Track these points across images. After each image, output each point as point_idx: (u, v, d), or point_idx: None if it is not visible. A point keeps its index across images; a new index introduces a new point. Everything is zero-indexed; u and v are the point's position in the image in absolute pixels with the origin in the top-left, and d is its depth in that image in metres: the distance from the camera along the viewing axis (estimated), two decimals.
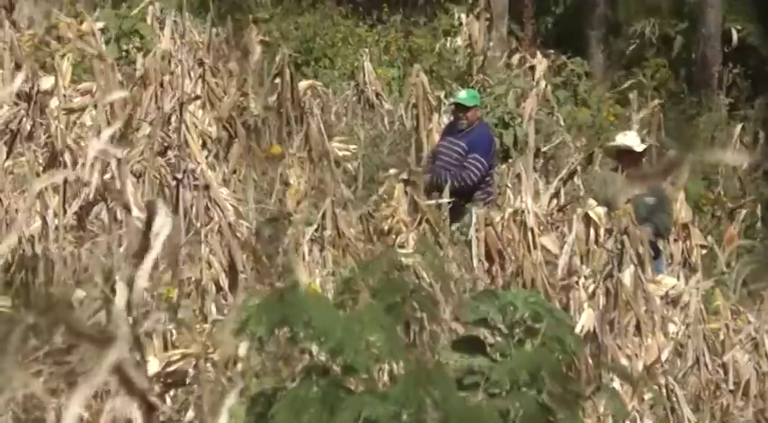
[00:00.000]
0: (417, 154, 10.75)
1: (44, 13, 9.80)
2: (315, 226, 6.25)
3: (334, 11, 16.76)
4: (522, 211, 7.03)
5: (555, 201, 8.17)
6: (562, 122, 13.14)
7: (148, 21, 12.18)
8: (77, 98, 7.31)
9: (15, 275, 5.52)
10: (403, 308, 2.74)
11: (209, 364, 3.45)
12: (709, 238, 10.49)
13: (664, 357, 5.83)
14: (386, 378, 2.88)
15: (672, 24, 19.61)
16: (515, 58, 14.48)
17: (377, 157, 11.03)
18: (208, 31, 10.23)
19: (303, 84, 9.09)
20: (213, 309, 5.33)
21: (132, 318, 2.32)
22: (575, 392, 2.83)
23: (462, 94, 9.90)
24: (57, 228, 5.63)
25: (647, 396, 5.52)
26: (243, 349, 2.95)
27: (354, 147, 8.99)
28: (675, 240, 9.93)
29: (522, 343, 2.87)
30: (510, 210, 7.08)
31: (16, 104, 6.86)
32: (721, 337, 6.39)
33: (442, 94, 12.64)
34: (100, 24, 10.59)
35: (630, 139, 8.96)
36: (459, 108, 9.65)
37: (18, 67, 8.08)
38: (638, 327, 5.87)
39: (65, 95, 7.17)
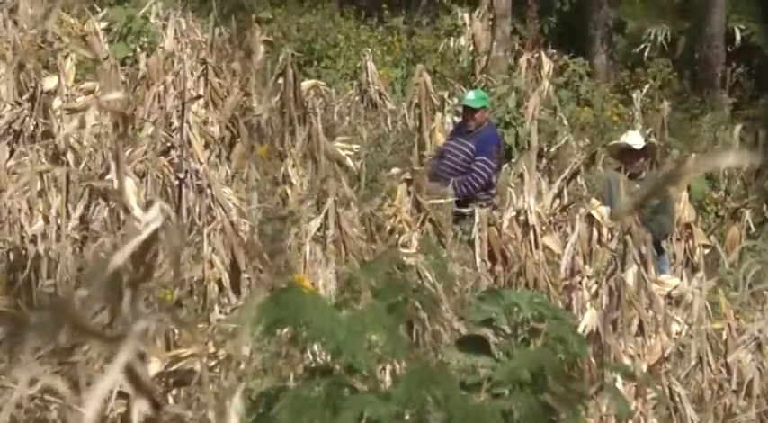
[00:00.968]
0: (420, 153, 10.73)
1: (47, 13, 9.81)
2: (317, 225, 6.25)
3: (336, 12, 16.77)
4: (525, 211, 7.03)
5: (558, 200, 8.16)
6: (566, 122, 13.14)
7: (152, 20, 12.20)
8: (80, 98, 7.31)
9: (18, 275, 5.53)
10: (405, 307, 2.74)
11: (212, 363, 3.44)
12: (712, 237, 10.49)
13: (666, 357, 5.82)
14: (388, 378, 2.88)
15: (676, 24, 19.61)
16: (519, 59, 14.48)
17: (380, 157, 11.04)
18: (211, 31, 10.23)
19: (306, 84, 9.08)
20: (216, 308, 5.34)
21: (134, 316, 2.31)
22: (578, 392, 2.82)
23: (470, 96, 9.84)
24: (59, 227, 5.63)
25: (650, 396, 5.52)
26: (245, 349, 2.95)
27: (357, 146, 8.98)
28: (678, 240, 9.92)
29: (525, 343, 2.87)
30: (513, 210, 7.08)
31: (19, 104, 6.86)
32: (724, 336, 6.38)
33: (446, 94, 12.65)
34: (103, 24, 10.59)
35: (632, 138, 9.00)
36: (468, 110, 9.60)
37: (21, 66, 8.08)
38: (640, 326, 5.86)
39: (68, 95, 7.17)
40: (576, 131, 13.31)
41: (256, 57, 8.98)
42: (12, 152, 6.53)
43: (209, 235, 5.73)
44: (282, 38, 14.24)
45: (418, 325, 4.12)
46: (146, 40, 11.89)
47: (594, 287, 5.97)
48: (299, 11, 16.60)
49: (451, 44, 15.90)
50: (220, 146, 7.80)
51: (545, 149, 12.06)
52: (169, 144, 6.81)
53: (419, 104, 11.78)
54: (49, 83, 6.99)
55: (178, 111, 6.98)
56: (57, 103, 6.96)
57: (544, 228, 7.04)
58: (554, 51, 14.85)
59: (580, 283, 6.14)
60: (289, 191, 7.55)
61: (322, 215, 6.30)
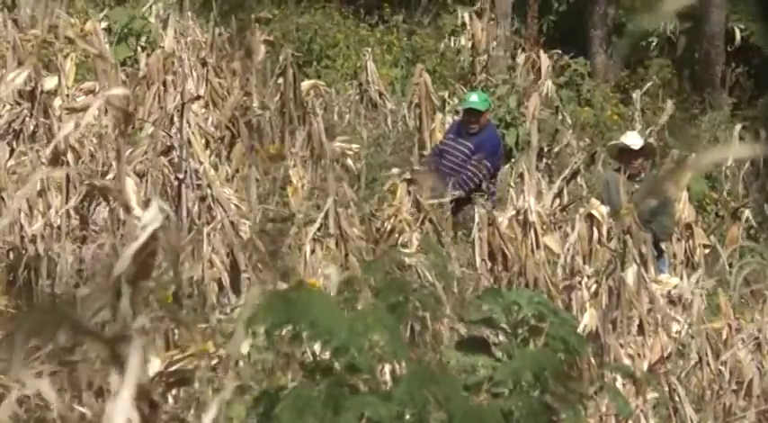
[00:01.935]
0: (420, 153, 10.73)
1: (47, 13, 9.80)
2: (317, 225, 6.25)
3: (336, 11, 16.77)
4: (525, 211, 7.03)
5: (558, 200, 8.15)
6: (569, 120, 13.15)
7: (152, 20, 12.21)
8: (80, 97, 7.31)
9: (18, 275, 5.52)
10: (406, 307, 2.74)
11: (212, 363, 3.44)
12: (712, 237, 10.49)
13: (666, 357, 5.82)
14: (389, 378, 2.88)
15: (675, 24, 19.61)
16: (519, 58, 14.47)
17: (380, 157, 11.04)
18: (211, 31, 10.23)
19: (306, 83, 9.09)
20: (215, 308, 5.33)
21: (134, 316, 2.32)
22: (578, 392, 2.82)
23: (474, 99, 9.74)
24: (59, 227, 5.63)
25: (649, 395, 5.52)
26: (246, 348, 2.95)
27: (357, 146, 8.98)
28: (678, 240, 9.92)
29: (525, 343, 2.87)
30: (513, 209, 7.08)
31: (19, 104, 6.86)
32: (724, 336, 6.38)
33: (446, 94, 12.65)
34: (104, 24, 10.59)
35: (630, 138, 9.01)
36: (472, 112, 9.51)
37: (21, 66, 8.07)
38: (640, 326, 5.87)
39: (68, 95, 7.17)
40: (576, 131, 13.31)
41: (256, 56, 8.98)
42: (12, 152, 6.53)
43: (208, 235, 5.73)
44: (282, 38, 14.24)
45: (418, 325, 4.11)
46: (145, 40, 11.90)
47: (594, 287, 5.98)
48: (299, 10, 16.60)
49: (452, 44, 15.90)
50: (220, 145, 7.80)
51: (545, 149, 12.06)
52: (169, 144, 6.81)
53: (419, 104, 11.78)
54: (50, 83, 6.99)
55: (178, 110, 6.98)
56: (57, 102, 6.97)
57: (544, 227, 7.03)
58: (555, 51, 14.84)
59: (580, 282, 6.14)
60: (289, 191, 7.56)
61: (322, 215, 6.30)
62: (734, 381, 6.24)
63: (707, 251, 10.01)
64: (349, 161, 8.29)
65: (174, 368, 3.47)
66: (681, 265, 9.62)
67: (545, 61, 13.63)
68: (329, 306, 2.60)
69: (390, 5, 17.83)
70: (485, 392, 2.73)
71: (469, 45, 15.31)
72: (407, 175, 7.32)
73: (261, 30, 9.48)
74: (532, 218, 6.99)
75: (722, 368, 6.23)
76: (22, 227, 5.87)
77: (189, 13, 11.87)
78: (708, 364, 6.18)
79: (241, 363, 3.05)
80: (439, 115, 11.77)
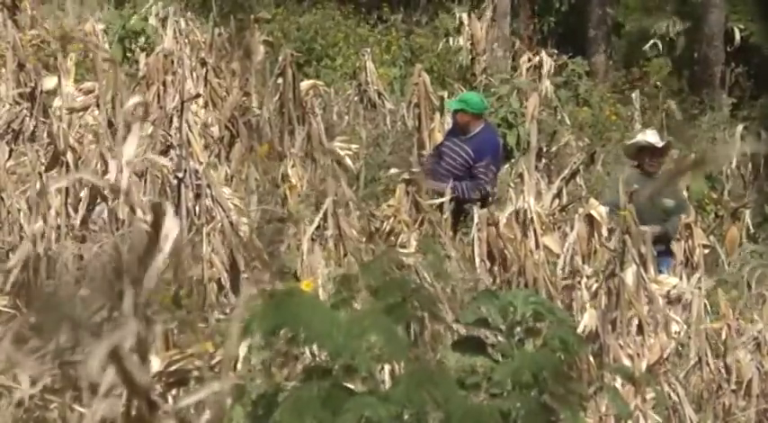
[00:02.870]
0: (419, 153, 10.71)
1: (47, 13, 9.80)
2: (316, 225, 6.25)
3: (336, 11, 16.77)
4: (525, 211, 7.03)
5: (557, 200, 8.15)
6: (568, 121, 13.15)
7: (152, 21, 12.21)
8: (80, 97, 7.31)
9: (18, 275, 5.52)
10: (404, 308, 2.74)
11: (212, 362, 3.44)
12: (712, 237, 10.48)
13: (666, 357, 5.82)
14: (387, 379, 2.88)
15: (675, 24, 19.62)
16: (518, 58, 14.48)
17: (379, 157, 11.03)
18: (210, 31, 10.23)
19: (305, 84, 9.08)
20: (215, 308, 5.34)
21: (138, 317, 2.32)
22: (577, 392, 2.82)
23: (450, 100, 9.55)
24: (59, 227, 5.63)
25: (649, 396, 5.52)
26: (243, 350, 2.95)
27: (356, 146, 8.98)
28: (678, 240, 9.92)
29: (522, 343, 2.87)
30: (512, 209, 7.08)
31: (18, 104, 6.87)
32: (723, 336, 6.38)
33: (445, 94, 12.64)
34: (102, 25, 10.60)
35: (650, 136, 8.85)
36: (453, 114, 9.43)
37: (21, 66, 8.08)
38: (640, 326, 5.86)
39: (67, 95, 7.17)
40: (575, 131, 13.31)
41: (256, 57, 8.98)
42: (11, 152, 6.53)
43: (208, 235, 5.73)
44: (283, 37, 14.25)
45: (417, 325, 4.12)
46: (144, 40, 11.90)
47: (594, 287, 5.98)
48: (299, 10, 16.60)
49: (450, 43, 15.90)
50: (220, 145, 7.80)
51: (544, 149, 12.06)
52: (168, 144, 6.81)
53: (418, 104, 11.77)
54: (49, 83, 7.00)
55: (177, 110, 6.98)
56: (57, 102, 6.97)
57: (544, 227, 7.04)
58: (553, 51, 14.85)
59: (579, 282, 6.14)
60: (288, 191, 7.56)
61: (321, 215, 6.30)
62: (733, 381, 6.24)
63: (706, 251, 10.01)
64: (348, 161, 8.29)
65: (174, 368, 3.47)
66: (680, 265, 9.62)
67: (545, 61, 13.63)
68: (321, 311, 2.60)
69: (389, 5, 17.82)
70: (483, 393, 2.74)
71: (468, 45, 15.32)
72: (406, 176, 7.32)
73: (260, 30, 9.48)
74: (532, 218, 6.99)
75: (721, 368, 6.24)
76: (21, 227, 5.87)
77: (188, 13, 11.88)
78: (707, 364, 6.19)
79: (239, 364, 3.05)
80: (438, 115, 11.76)
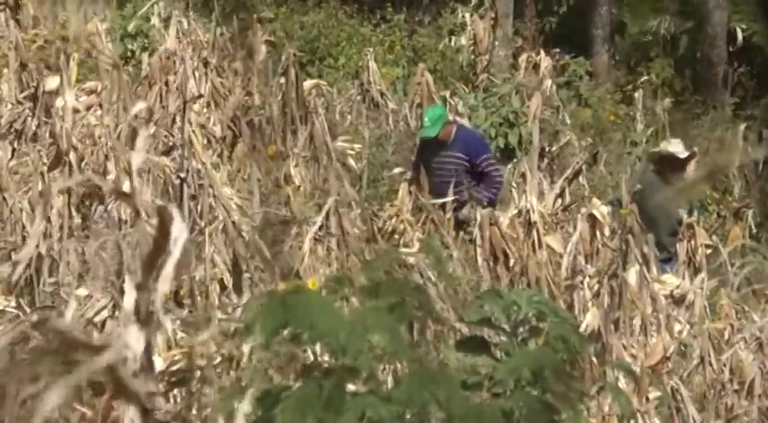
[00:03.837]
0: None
1: (49, 13, 9.80)
2: (318, 225, 6.25)
3: (339, 10, 16.77)
4: (528, 211, 7.03)
5: (560, 200, 8.16)
6: (568, 121, 13.14)
7: (154, 21, 12.21)
8: (82, 98, 7.31)
9: (20, 275, 5.53)
10: (406, 308, 2.74)
11: (214, 362, 3.44)
12: (714, 237, 10.47)
13: (668, 357, 5.82)
14: (389, 378, 2.88)
15: (677, 24, 19.60)
16: (520, 58, 14.47)
17: (381, 157, 11.03)
18: (212, 31, 10.22)
19: (308, 83, 9.08)
20: (217, 307, 5.34)
21: (141, 319, 2.31)
22: (579, 392, 2.82)
23: (425, 126, 8.95)
24: (61, 227, 5.64)
25: (652, 395, 5.52)
26: (246, 349, 2.95)
27: (359, 146, 8.98)
28: (680, 240, 9.91)
29: (525, 342, 2.87)
30: (514, 209, 7.08)
31: (21, 104, 6.87)
32: (726, 336, 6.38)
33: (447, 94, 12.64)
34: (105, 25, 10.60)
35: (674, 146, 8.85)
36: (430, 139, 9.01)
37: (23, 66, 8.09)
38: (642, 326, 5.86)
39: (70, 95, 7.17)
40: (577, 131, 13.30)
41: (258, 56, 8.99)
42: (13, 152, 6.54)
43: (210, 235, 5.73)
44: (284, 37, 14.25)
45: (419, 325, 4.11)
46: (146, 40, 11.91)
47: (596, 287, 5.97)
48: (302, 10, 16.60)
49: (453, 43, 15.90)
50: (222, 145, 7.80)
51: (547, 149, 12.05)
52: (171, 143, 6.81)
53: (421, 104, 11.78)
54: (51, 82, 7.00)
55: (180, 110, 6.98)
56: (59, 102, 6.97)
57: (546, 227, 7.04)
58: (556, 50, 14.84)
59: (582, 282, 6.14)
60: (290, 191, 7.56)
61: (323, 215, 6.30)
62: (736, 380, 6.24)
63: (709, 251, 10.00)
64: (351, 161, 8.29)
65: (174, 368, 3.48)
66: (683, 265, 9.61)
67: (546, 61, 13.62)
68: (328, 309, 2.59)
69: (392, 5, 17.82)
70: (485, 392, 2.73)
71: (470, 44, 15.32)
72: (409, 176, 7.32)
73: (263, 29, 9.48)
74: (534, 218, 6.99)
75: (724, 368, 6.24)
76: (23, 227, 5.87)
77: (191, 13, 11.88)
78: (710, 364, 6.19)
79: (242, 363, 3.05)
80: None
